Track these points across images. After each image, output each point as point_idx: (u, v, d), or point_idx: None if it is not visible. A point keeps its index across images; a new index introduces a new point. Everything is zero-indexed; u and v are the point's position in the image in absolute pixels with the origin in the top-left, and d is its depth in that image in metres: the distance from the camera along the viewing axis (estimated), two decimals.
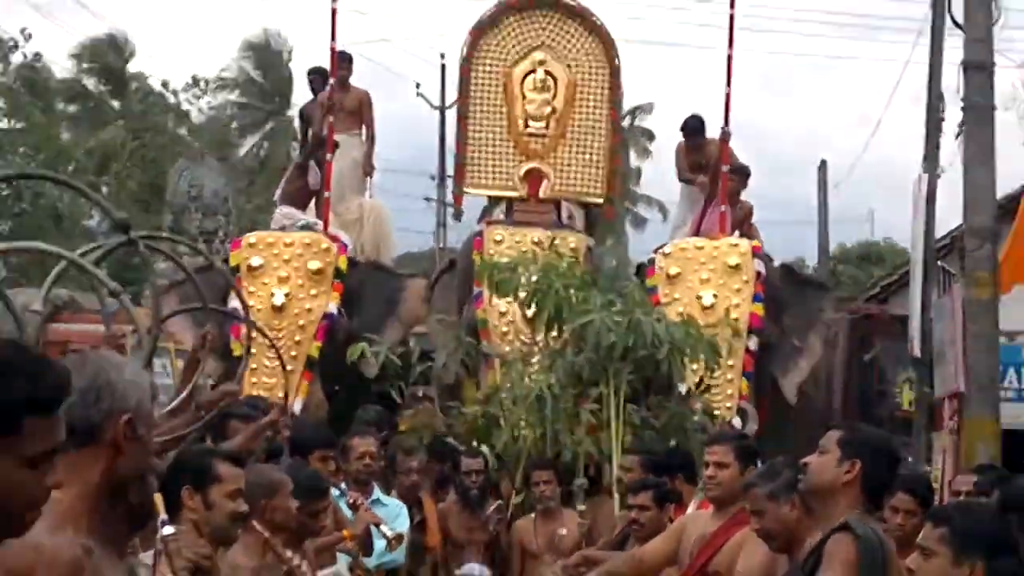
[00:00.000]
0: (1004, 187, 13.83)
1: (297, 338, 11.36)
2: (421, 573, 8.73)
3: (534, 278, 10.42)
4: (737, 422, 11.51)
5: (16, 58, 32.97)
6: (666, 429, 9.95)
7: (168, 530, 3.18)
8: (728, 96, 13.12)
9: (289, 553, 5.27)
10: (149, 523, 3.22)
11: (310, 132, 13.59)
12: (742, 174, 13.68)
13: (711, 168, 13.20)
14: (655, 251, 12.66)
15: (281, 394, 10.24)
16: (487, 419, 10.28)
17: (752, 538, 6.18)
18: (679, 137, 14.26)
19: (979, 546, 4.13)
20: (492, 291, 11.04)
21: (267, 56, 37.43)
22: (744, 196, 13.76)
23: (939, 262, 14.72)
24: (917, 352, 15.10)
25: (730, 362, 11.79)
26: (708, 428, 10.68)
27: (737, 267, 12.15)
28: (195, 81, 37.69)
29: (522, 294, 10.47)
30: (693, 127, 13.56)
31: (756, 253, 12.30)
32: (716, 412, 11.36)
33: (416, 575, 8.68)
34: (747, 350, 11.93)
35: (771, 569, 6.09)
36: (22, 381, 2.58)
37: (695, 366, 11.07)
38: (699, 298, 11.79)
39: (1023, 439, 13.10)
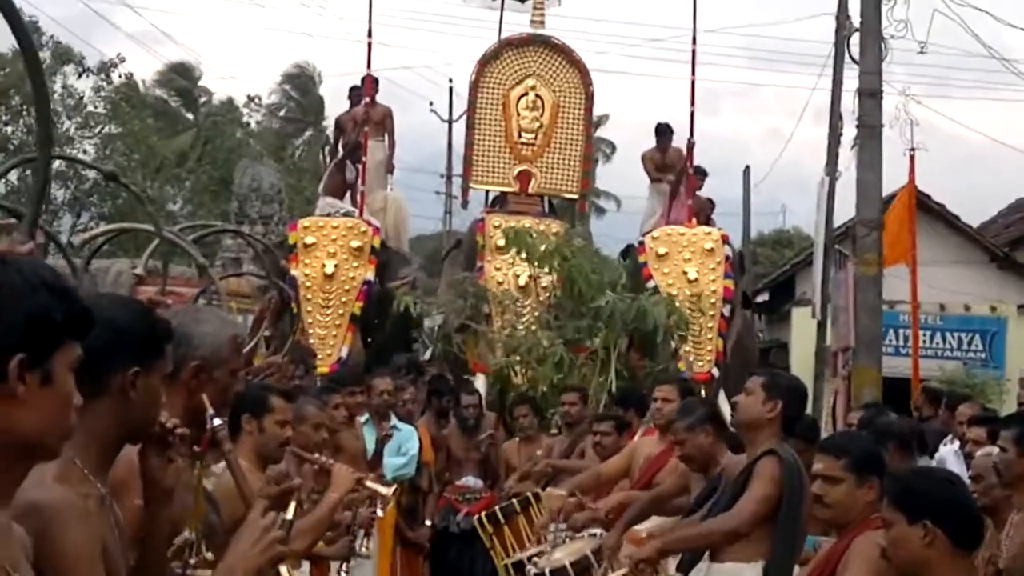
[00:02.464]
0: (888, 188, 14.37)
1: (344, 299, 11.73)
2: (420, 482, 9.01)
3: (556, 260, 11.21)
4: (715, 371, 12.06)
5: (115, 77, 33.97)
6: (648, 379, 10.27)
7: (217, 421, 3.09)
8: (692, 114, 13.56)
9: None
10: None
11: (342, 139, 13.97)
12: (701, 174, 14.07)
13: (677, 169, 13.62)
14: (643, 235, 13.02)
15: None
16: (507, 367, 11.00)
17: None
18: (635, 145, 14.93)
19: (875, 469, 4.32)
20: (520, 254, 11.58)
21: (302, 82, 38.34)
22: None
23: (836, 246, 15.04)
24: (818, 315, 15.74)
25: (710, 325, 12.46)
26: (688, 378, 11.40)
27: (712, 250, 12.43)
28: (250, 98, 38.66)
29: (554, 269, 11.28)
30: (664, 129, 14.00)
31: (725, 240, 12.82)
32: (700, 364, 12.14)
33: (417, 484, 9.00)
34: (722, 316, 12.53)
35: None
36: (162, 322, 2.80)
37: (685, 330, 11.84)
38: (685, 273, 12.12)
39: (898, 384, 13.94)
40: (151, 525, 2.84)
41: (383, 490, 5.17)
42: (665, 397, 7.45)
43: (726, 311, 12.30)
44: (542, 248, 11.37)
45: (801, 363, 18.62)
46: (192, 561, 3.03)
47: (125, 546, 2.67)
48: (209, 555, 3.04)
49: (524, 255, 11.52)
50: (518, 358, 10.87)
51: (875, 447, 4.71)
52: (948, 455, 8.33)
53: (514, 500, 8.11)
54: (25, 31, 2.78)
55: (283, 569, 2.89)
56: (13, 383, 1.93)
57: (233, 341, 3.36)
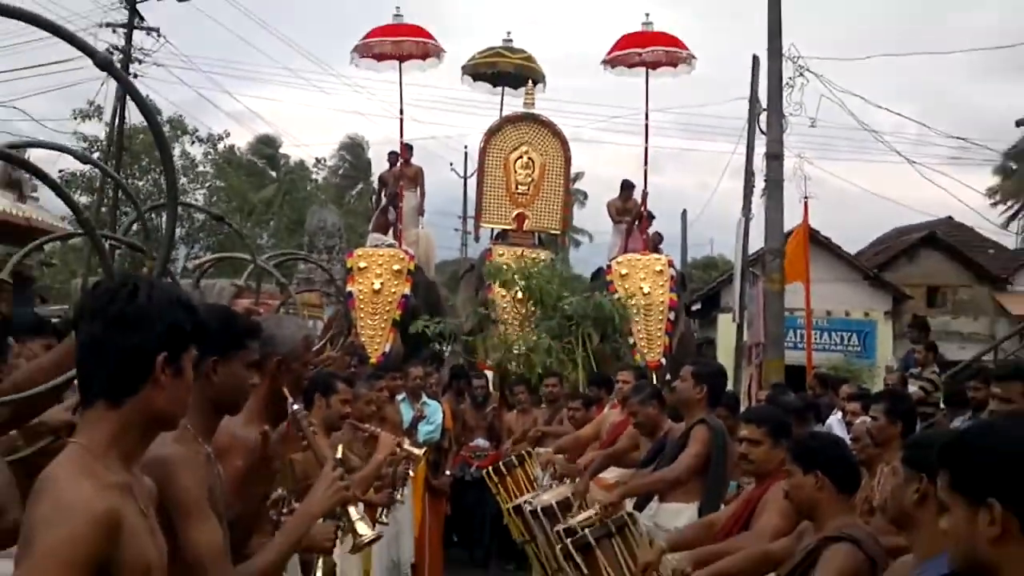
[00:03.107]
0: (788, 225, 14.34)
1: (387, 309, 11.70)
2: (442, 443, 8.98)
3: (521, 280, 11.26)
4: (663, 360, 12.21)
5: (220, 146, 34.41)
6: (614, 366, 10.37)
7: (296, 407, 3.11)
8: (646, 172, 13.65)
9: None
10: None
11: (385, 190, 13.96)
12: (651, 217, 13.92)
13: (633, 212, 13.58)
14: (609, 260, 12.96)
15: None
16: (501, 359, 11.01)
17: None
18: (603, 194, 15.03)
19: (785, 433, 4.32)
20: (499, 286, 11.68)
21: (354, 148, 38.45)
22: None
23: (750, 268, 15.02)
24: (737, 320, 15.71)
25: (659, 326, 12.47)
26: (640, 363, 11.43)
27: (661, 271, 12.42)
28: (317, 160, 38.98)
29: (517, 287, 11.33)
30: (628, 185, 13.91)
31: (671, 264, 12.83)
32: (652, 355, 12.15)
33: (440, 445, 8.95)
34: (668, 320, 12.60)
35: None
36: (245, 322, 2.87)
37: (635, 325, 11.89)
38: (641, 288, 12.17)
39: (796, 370, 13.96)
40: (259, 483, 2.91)
41: (416, 451, 5.15)
42: (625, 379, 7.51)
43: (672, 316, 12.29)
44: (509, 271, 11.43)
45: (725, 355, 18.61)
46: (284, 511, 3.07)
47: (225, 495, 2.68)
48: (296, 506, 3.02)
49: (497, 281, 11.58)
50: (515, 351, 10.87)
51: (786, 417, 4.68)
52: (834, 423, 8.29)
53: (513, 457, 8.06)
54: (150, 111, 2.77)
55: (350, 508, 2.88)
56: (158, 374, 1.96)
57: (305, 341, 3.37)
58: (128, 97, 9.83)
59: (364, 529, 2.96)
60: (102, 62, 2.41)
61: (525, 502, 6.89)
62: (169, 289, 2.05)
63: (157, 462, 2.40)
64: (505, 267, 11.62)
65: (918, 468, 2.65)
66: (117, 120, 22.12)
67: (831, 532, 3.23)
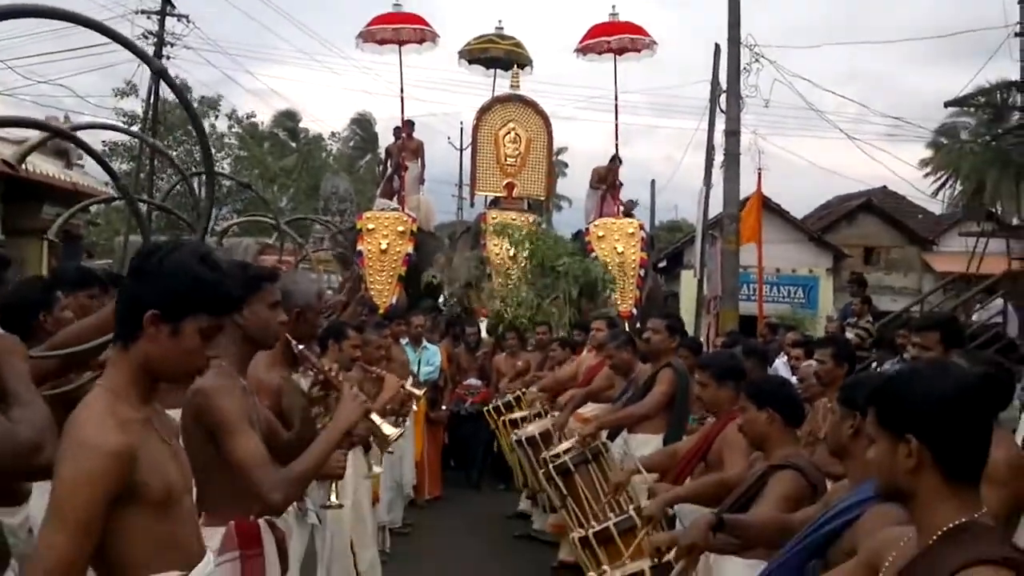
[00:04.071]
0: (743, 193, 14.23)
1: (393, 266, 11.74)
2: (440, 382, 9.06)
3: (527, 243, 11.26)
4: (634, 311, 12.27)
5: (245, 122, 34.08)
6: (592, 315, 10.69)
7: (301, 347, 3.11)
8: (616, 146, 13.75)
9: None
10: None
11: (390, 161, 13.85)
12: (620, 185, 13.90)
13: (608, 181, 13.60)
14: (587, 223, 13.10)
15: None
16: (498, 310, 11.00)
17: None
18: (582, 165, 15.01)
19: (730, 376, 4.32)
20: (498, 243, 11.73)
21: (363, 123, 37.79)
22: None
23: (710, 231, 15.12)
24: (698, 275, 15.71)
25: (631, 281, 12.51)
26: (614, 314, 11.44)
27: (632, 234, 12.57)
28: (332, 134, 38.51)
29: (525, 249, 11.29)
30: (614, 158, 13.76)
31: (641, 227, 12.94)
32: (624, 306, 12.18)
33: (438, 383, 9.03)
34: (639, 275, 12.64)
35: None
36: (263, 270, 2.88)
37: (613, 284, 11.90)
38: (615, 248, 12.37)
39: (749, 319, 13.96)
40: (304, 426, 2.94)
41: (416, 391, 5.13)
42: (598, 328, 7.48)
43: (642, 273, 12.40)
44: (519, 234, 11.37)
45: (687, 306, 18.64)
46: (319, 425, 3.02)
47: (262, 422, 2.71)
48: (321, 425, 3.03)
49: (508, 240, 11.51)
50: (507, 304, 10.86)
51: (731, 362, 4.60)
52: (780, 365, 8.33)
53: (509, 397, 8.09)
54: (192, 108, 2.79)
55: (373, 416, 2.92)
56: (147, 327, 1.90)
57: (318, 294, 3.37)
58: (167, 86, 9.75)
59: (389, 429, 3.04)
60: (158, 69, 2.44)
61: (514, 433, 7.01)
62: (189, 258, 1.93)
63: (198, 392, 2.49)
64: (513, 230, 11.62)
65: (852, 407, 2.66)
66: (152, 97, 21.84)
67: (777, 461, 3.26)
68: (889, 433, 1.71)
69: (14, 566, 2.42)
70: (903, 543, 1.83)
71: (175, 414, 3.41)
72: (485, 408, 8.48)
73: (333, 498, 3.73)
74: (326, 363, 3.36)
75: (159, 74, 2.43)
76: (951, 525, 1.65)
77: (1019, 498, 3.22)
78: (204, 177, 2.76)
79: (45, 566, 1.73)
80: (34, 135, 4.49)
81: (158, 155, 18.97)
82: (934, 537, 1.66)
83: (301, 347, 3.08)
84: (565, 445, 5.73)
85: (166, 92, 22.56)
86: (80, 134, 3.46)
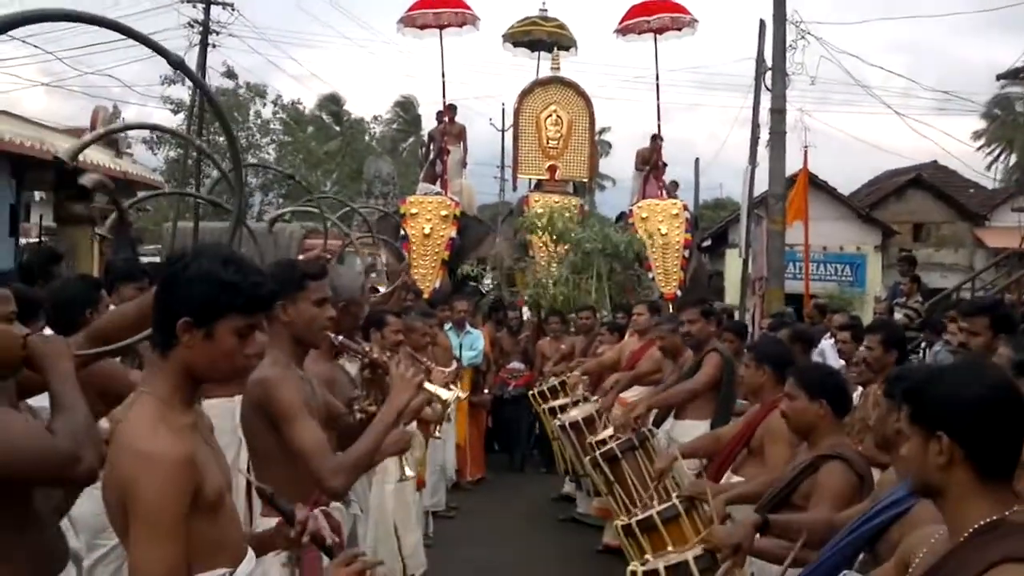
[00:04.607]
0: (789, 171, 14.03)
1: (436, 250, 11.80)
2: (483, 366, 9.10)
3: (547, 222, 11.19)
4: (678, 292, 12.16)
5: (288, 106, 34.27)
6: (622, 288, 10.66)
7: (340, 337, 3.13)
8: (658, 125, 13.73)
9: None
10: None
11: (432, 145, 13.84)
12: (664, 165, 13.81)
13: (651, 161, 13.51)
14: (630, 206, 13.06)
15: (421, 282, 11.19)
16: (537, 290, 11.02)
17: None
18: (625, 145, 14.94)
19: (778, 362, 4.18)
20: (527, 230, 11.70)
21: (407, 106, 37.67)
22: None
23: (755, 211, 14.94)
24: (743, 255, 15.51)
25: (675, 263, 12.41)
26: (655, 295, 11.37)
27: (676, 215, 12.54)
28: (375, 117, 38.74)
29: (541, 224, 11.26)
30: (656, 137, 13.76)
31: (685, 208, 12.85)
32: (668, 288, 12.09)
33: (481, 367, 9.08)
34: (683, 257, 12.53)
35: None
36: (309, 266, 2.84)
37: (654, 260, 11.81)
38: (659, 230, 12.37)
39: (795, 298, 13.86)
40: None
41: (453, 394, 5.08)
42: (639, 312, 7.48)
43: (686, 254, 12.29)
44: (542, 220, 11.33)
45: (731, 286, 18.50)
46: (357, 407, 3.11)
47: (320, 409, 2.77)
48: (368, 403, 3.12)
49: (550, 232, 11.44)
50: (544, 285, 10.85)
51: (778, 348, 4.55)
52: (827, 347, 8.20)
53: (554, 381, 8.05)
54: (216, 103, 2.82)
55: (428, 386, 2.97)
56: (180, 335, 1.92)
57: (361, 288, 3.40)
58: (187, 78, 9.86)
59: (446, 393, 3.14)
60: (175, 62, 2.45)
61: (557, 419, 6.97)
62: (212, 263, 1.94)
63: (257, 383, 2.54)
64: (533, 219, 11.59)
65: (895, 396, 2.60)
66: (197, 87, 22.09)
67: (825, 451, 3.19)
68: (921, 429, 1.72)
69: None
70: (934, 540, 1.82)
71: (216, 403, 3.50)
72: (529, 392, 8.49)
73: (407, 470, 3.81)
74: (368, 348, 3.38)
75: (176, 66, 2.46)
76: (982, 523, 1.65)
77: None
78: (236, 170, 2.78)
79: None
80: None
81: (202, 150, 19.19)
82: (965, 534, 1.66)
83: (340, 337, 3.10)
84: (609, 431, 5.70)
85: (213, 78, 22.81)
86: (129, 134, 3.50)
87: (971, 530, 1.65)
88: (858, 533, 2.49)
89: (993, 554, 1.58)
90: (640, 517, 4.24)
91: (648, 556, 3.71)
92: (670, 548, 3.91)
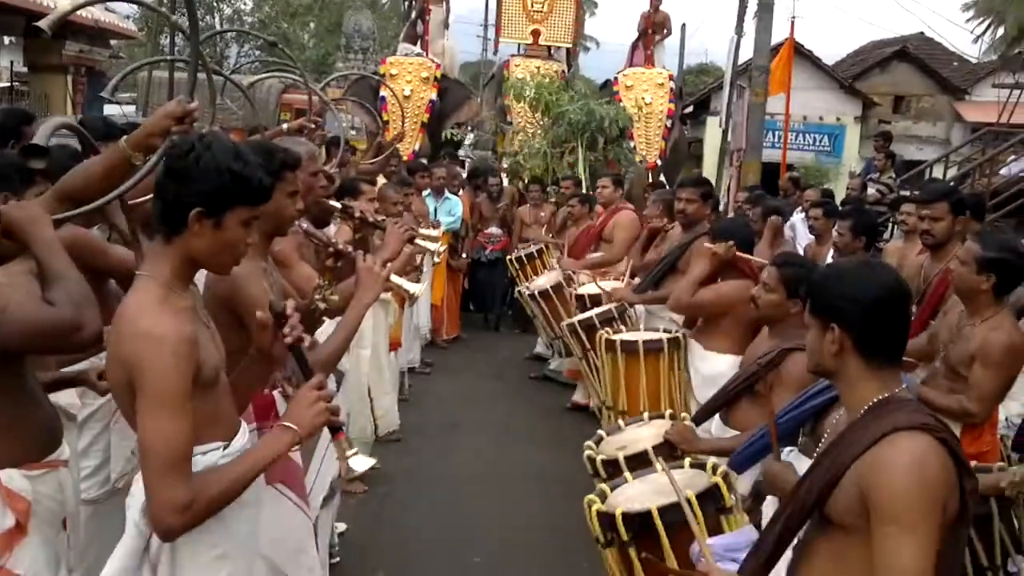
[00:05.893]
0: (775, 40, 13.44)
1: (416, 112, 11.47)
2: (461, 231, 9.17)
3: (534, 91, 10.89)
4: (659, 161, 11.95)
5: None
6: (606, 162, 10.46)
7: (305, 224, 3.19)
8: None
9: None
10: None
11: (414, 4, 13.09)
12: (665, 30, 13.33)
13: (647, 27, 13.01)
14: (616, 74, 12.70)
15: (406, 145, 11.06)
16: (516, 160, 10.91)
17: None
18: (610, 8, 14.16)
19: (727, 237, 4.42)
20: (513, 98, 11.40)
21: None
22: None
23: (738, 82, 14.71)
24: (723, 125, 15.29)
25: (657, 132, 12.30)
26: (638, 164, 11.33)
27: (661, 84, 12.32)
28: None
29: (527, 95, 10.99)
30: (656, 6, 13.10)
31: (671, 78, 12.54)
32: (650, 157, 12.02)
33: (459, 232, 9.14)
34: (666, 127, 12.39)
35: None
36: (286, 155, 2.79)
37: (636, 131, 11.67)
38: (643, 99, 12.13)
39: (772, 167, 13.93)
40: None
41: (429, 245, 5.14)
42: (603, 185, 7.60)
43: (668, 124, 12.16)
44: (528, 88, 11.05)
45: (710, 153, 18.41)
46: (319, 296, 3.04)
47: (280, 294, 2.74)
48: (329, 293, 3.07)
49: (522, 101, 11.25)
50: (522, 155, 10.76)
51: (746, 232, 4.66)
52: (797, 222, 8.32)
53: (533, 250, 8.23)
54: None
55: (395, 279, 3.00)
56: (192, 225, 1.94)
57: (311, 156, 3.22)
58: None
59: (412, 286, 3.16)
60: None
61: (525, 286, 7.25)
62: (223, 155, 1.95)
63: (224, 278, 2.47)
64: (520, 81, 11.31)
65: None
66: None
67: (790, 344, 3.24)
68: (819, 321, 1.91)
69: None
70: (835, 419, 2.05)
71: None
72: (508, 257, 8.63)
73: None
74: (336, 234, 3.44)
75: None
76: (874, 400, 1.84)
77: (1012, 379, 3.30)
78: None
79: (164, 454, 1.82)
80: None
81: None
82: (860, 412, 1.84)
83: (306, 225, 3.12)
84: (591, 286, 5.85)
85: None
86: None
87: (865, 408, 1.84)
88: (797, 412, 2.62)
89: (885, 425, 1.75)
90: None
91: (620, 423, 3.84)
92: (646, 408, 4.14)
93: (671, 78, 12.56)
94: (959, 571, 1.91)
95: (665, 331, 4.91)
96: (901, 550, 1.66)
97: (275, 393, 2.48)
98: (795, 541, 1.93)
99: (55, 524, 2.35)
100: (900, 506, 1.66)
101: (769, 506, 2.68)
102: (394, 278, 2.98)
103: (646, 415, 3.81)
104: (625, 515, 2.69)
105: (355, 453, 2.07)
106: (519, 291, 7.56)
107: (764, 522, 2.64)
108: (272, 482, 2.54)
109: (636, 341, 4.77)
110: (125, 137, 2.41)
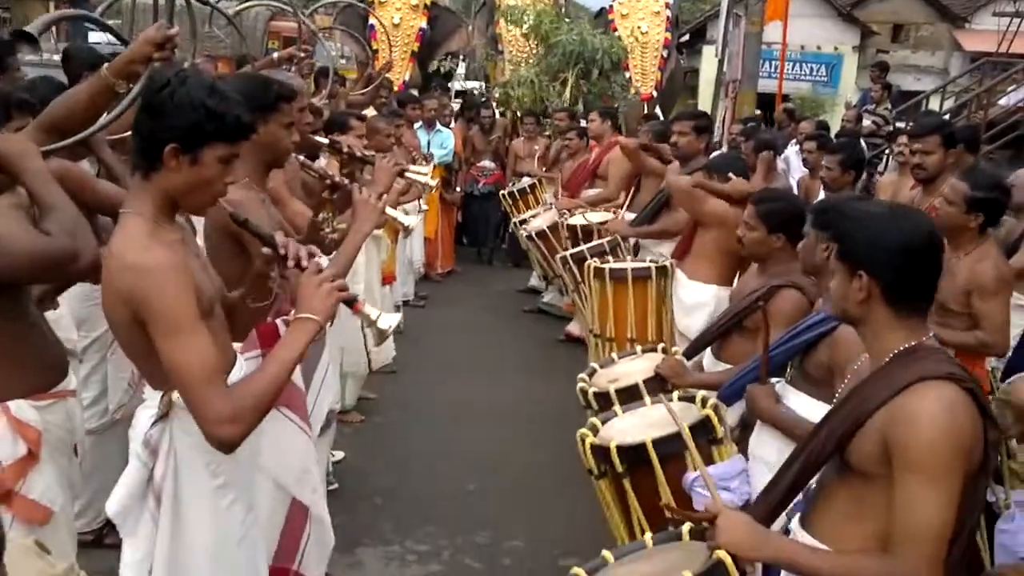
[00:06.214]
0: None
1: (406, 41, 11.18)
2: (453, 164, 9.10)
3: (533, 19, 10.67)
4: (654, 93, 11.76)
5: None
6: (599, 95, 10.37)
7: (300, 158, 3.22)
8: None
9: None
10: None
11: None
12: None
13: None
14: (612, 1, 12.26)
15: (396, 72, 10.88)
16: (506, 90, 10.67)
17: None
18: None
19: (720, 170, 4.44)
20: (507, 23, 11.19)
21: None
22: None
23: (734, 10, 14.51)
24: (719, 55, 15.10)
25: (653, 62, 12.11)
26: (631, 97, 11.18)
27: (658, 12, 11.99)
28: None
29: (527, 22, 10.75)
30: None
31: (667, 6, 12.14)
32: (645, 88, 11.88)
33: (452, 166, 9.07)
34: (661, 57, 12.19)
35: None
36: (281, 87, 2.79)
37: (632, 61, 11.50)
38: (639, 27, 11.90)
39: (767, 98, 13.84)
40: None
41: (420, 179, 5.12)
42: (592, 119, 7.53)
43: (664, 54, 11.93)
44: (521, 15, 10.84)
45: (706, 84, 18.22)
46: (328, 228, 3.11)
47: (277, 227, 2.70)
48: (337, 223, 3.14)
49: (517, 28, 11.04)
50: (510, 83, 10.59)
51: (738, 164, 4.68)
52: (791, 155, 8.30)
53: (526, 184, 8.21)
54: None
55: (390, 211, 3.01)
56: (167, 161, 1.93)
57: (298, 91, 3.18)
58: None
59: (407, 219, 3.17)
60: None
61: (523, 222, 7.31)
62: (198, 90, 1.92)
63: (228, 204, 2.43)
64: (513, 8, 11.06)
65: (824, 229, 2.70)
66: None
67: (779, 280, 3.26)
68: (846, 267, 1.86)
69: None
70: (858, 365, 2.01)
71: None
72: (501, 192, 8.60)
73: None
74: (327, 166, 3.42)
75: None
76: (901, 348, 1.81)
77: (1009, 302, 3.37)
78: None
79: (197, 373, 1.82)
80: None
81: None
82: (886, 359, 1.82)
83: (302, 157, 3.11)
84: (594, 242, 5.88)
85: None
86: None
87: (891, 355, 1.81)
88: (786, 347, 2.66)
89: (912, 374, 1.74)
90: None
91: (613, 355, 3.90)
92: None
93: (667, 6, 12.23)
94: (977, 519, 1.89)
95: (652, 261, 4.95)
96: (924, 500, 1.66)
97: (278, 321, 2.51)
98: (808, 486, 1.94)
99: (67, 452, 2.41)
100: (926, 456, 1.66)
101: (755, 437, 2.72)
102: (389, 210, 2.99)
103: (639, 348, 3.86)
104: (620, 447, 2.73)
105: (379, 316, 2.09)
106: (515, 228, 7.57)
107: (749, 451, 2.71)
108: (275, 405, 2.59)
109: (625, 268, 4.83)
110: (107, 64, 2.39)
